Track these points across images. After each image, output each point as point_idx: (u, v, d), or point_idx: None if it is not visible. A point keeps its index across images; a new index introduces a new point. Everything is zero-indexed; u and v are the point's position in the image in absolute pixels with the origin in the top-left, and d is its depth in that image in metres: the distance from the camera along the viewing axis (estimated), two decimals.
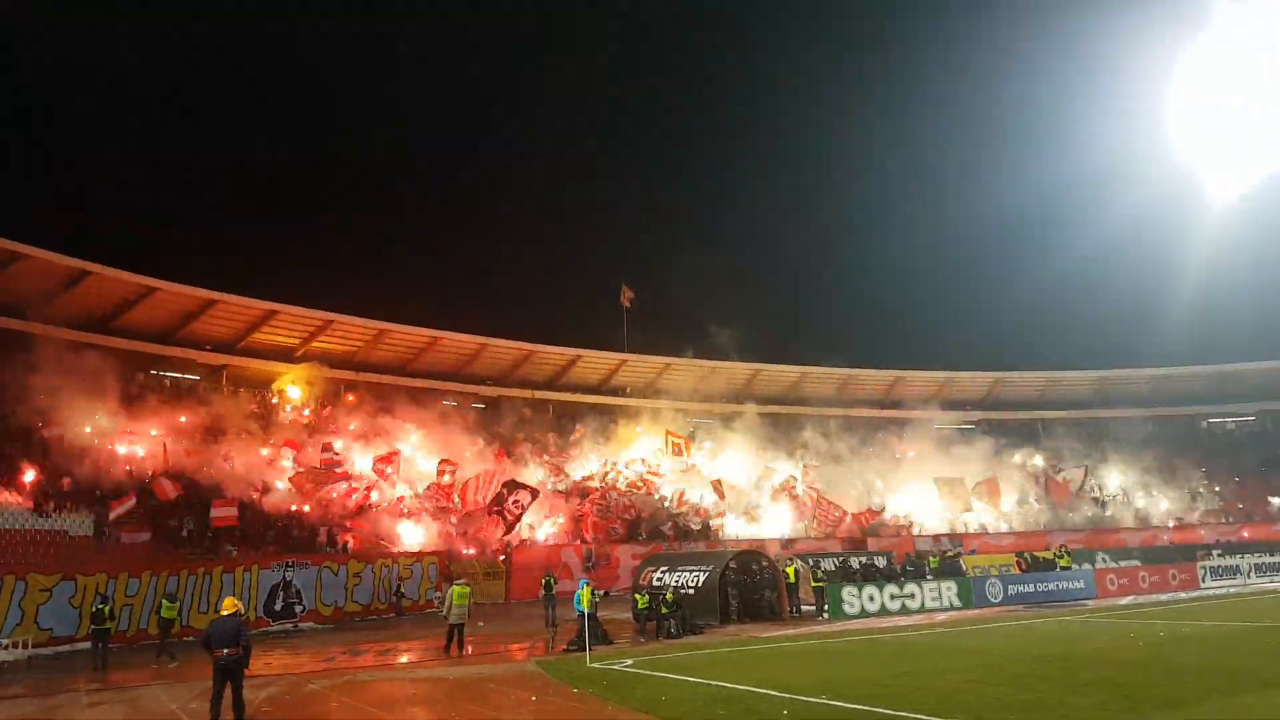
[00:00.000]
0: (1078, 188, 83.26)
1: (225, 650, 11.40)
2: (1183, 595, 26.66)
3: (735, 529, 46.49)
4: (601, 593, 22.14)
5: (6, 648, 20.22)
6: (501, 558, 36.26)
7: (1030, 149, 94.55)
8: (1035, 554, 28.13)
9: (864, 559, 26.75)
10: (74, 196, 70.43)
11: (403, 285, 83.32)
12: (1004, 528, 50.20)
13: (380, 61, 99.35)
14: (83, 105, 77.50)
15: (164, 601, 21.62)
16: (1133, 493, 55.96)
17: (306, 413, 45.92)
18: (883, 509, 48.74)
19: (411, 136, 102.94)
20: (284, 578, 27.42)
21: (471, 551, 36.62)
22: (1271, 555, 31.00)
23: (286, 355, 48.27)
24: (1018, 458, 58.92)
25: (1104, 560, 31.66)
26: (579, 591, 18.54)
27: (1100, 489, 55.74)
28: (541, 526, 41.29)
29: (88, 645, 19.91)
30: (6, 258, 37.04)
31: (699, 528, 44.90)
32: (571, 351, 56.85)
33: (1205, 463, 59.36)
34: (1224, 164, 53.69)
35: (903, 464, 55.87)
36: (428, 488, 39.78)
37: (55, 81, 75.17)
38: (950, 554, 29.91)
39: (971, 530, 49.03)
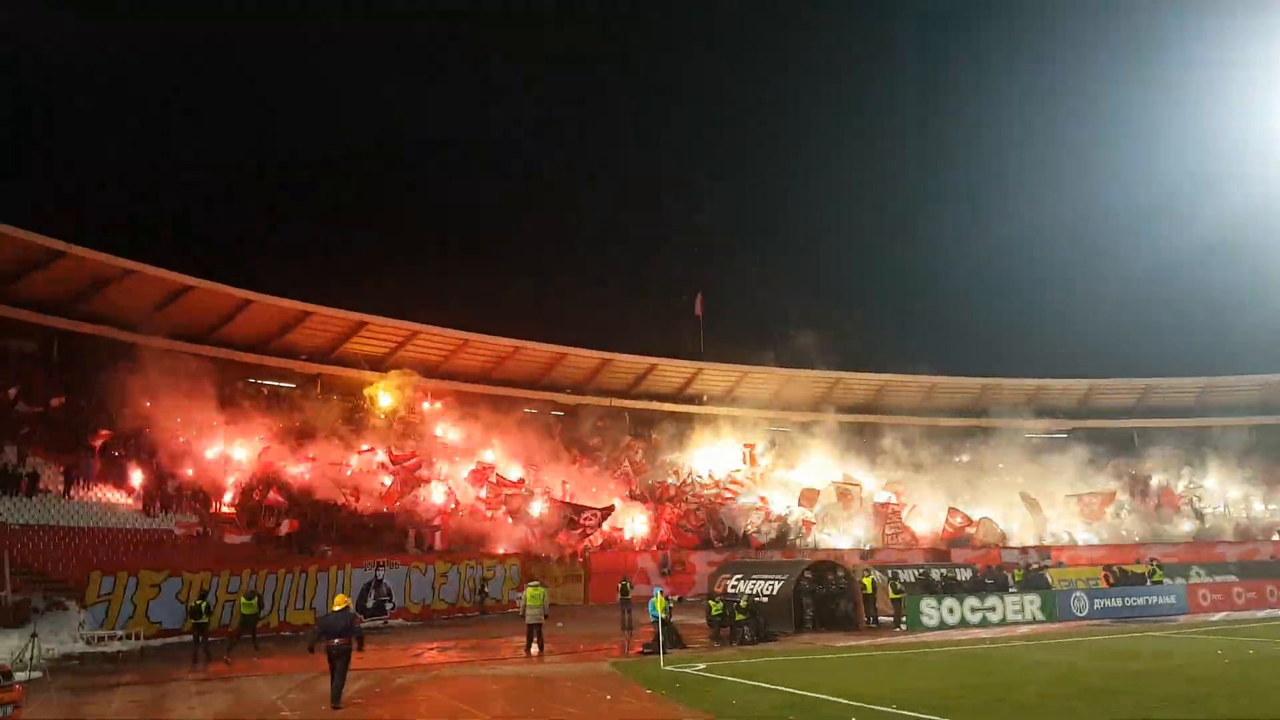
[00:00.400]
0: (1176, 188, 79.91)
1: (336, 640, 13.24)
2: (1278, 613, 25.48)
3: (814, 538, 46.22)
4: (675, 598, 22.47)
5: (122, 639, 21.65)
6: (580, 560, 36.94)
7: (1124, 150, 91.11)
8: (1124, 568, 27.28)
9: (944, 571, 26.38)
10: (176, 212, 74.31)
11: (484, 295, 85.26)
12: (1095, 540, 48.59)
13: (456, 74, 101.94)
14: (177, 129, 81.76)
15: (242, 599, 22.67)
16: (1234, 504, 53.37)
17: (391, 418, 47.46)
18: (967, 521, 47.61)
19: (486, 152, 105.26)
20: (376, 577, 28.61)
21: (551, 556, 37.39)
22: None
23: (376, 364, 50.03)
24: (1111, 468, 56.93)
25: (1198, 575, 30.43)
26: (653, 599, 18.94)
27: (1199, 500, 53.32)
28: (627, 527, 41.92)
29: (190, 638, 21.25)
30: (119, 273, 39.46)
31: (776, 536, 44.81)
32: (647, 360, 57.35)
33: None
34: None
35: (991, 475, 54.58)
36: (508, 493, 40.73)
37: (149, 105, 79.46)
38: (1035, 567, 29.18)
39: (1062, 543, 47.58)
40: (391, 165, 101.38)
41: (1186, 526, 50.45)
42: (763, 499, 48.87)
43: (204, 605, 20.58)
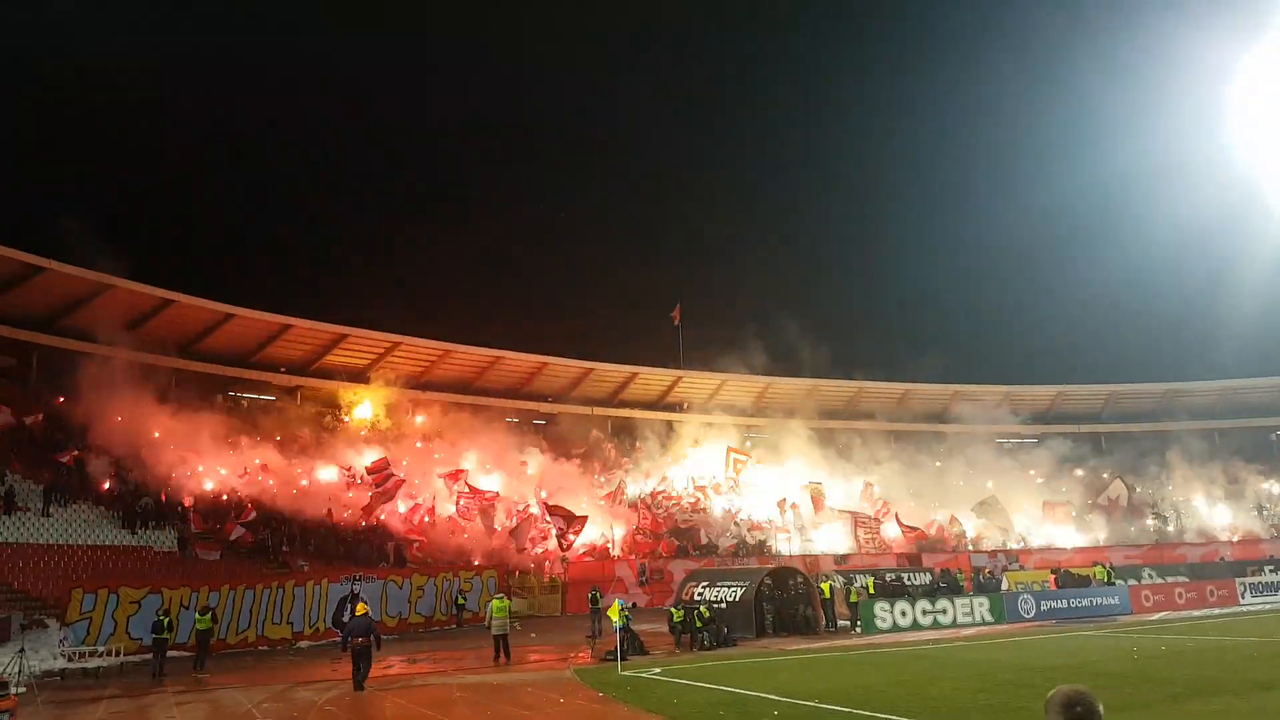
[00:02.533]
0: (1137, 196, 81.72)
1: (359, 640, 16.40)
2: (1216, 612, 26.64)
3: (791, 545, 47.08)
4: (632, 604, 23.29)
5: (103, 655, 22.29)
6: (558, 572, 37.70)
7: (1086, 157, 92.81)
8: (1070, 570, 28.39)
9: (893, 576, 27.41)
10: (154, 227, 74.60)
11: (467, 307, 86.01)
12: (1063, 543, 49.76)
13: (432, 84, 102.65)
14: (154, 145, 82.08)
15: (197, 615, 22.57)
16: (1196, 507, 54.81)
17: (371, 430, 48.14)
18: (936, 525, 48.76)
19: (465, 166, 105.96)
20: (352, 590, 29.24)
21: (529, 568, 38.14)
22: None
23: (357, 376, 50.71)
24: (1080, 472, 58.35)
25: (1149, 576, 31.60)
26: (609, 608, 19.87)
27: (1161, 503, 54.72)
28: (605, 537, 42.70)
29: (177, 655, 21.90)
30: (98, 288, 40.03)
31: (753, 544, 45.66)
32: (628, 369, 58.32)
33: (1273, 475, 57.75)
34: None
35: (962, 479, 55.80)
36: (485, 503, 41.37)
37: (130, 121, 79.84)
38: (987, 571, 30.24)
39: (1030, 546, 48.72)
40: (373, 178, 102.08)
41: (1150, 528, 51.80)
42: (737, 510, 49.69)
43: (165, 621, 20.86)
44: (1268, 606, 27.51)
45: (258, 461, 39.73)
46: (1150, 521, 52.62)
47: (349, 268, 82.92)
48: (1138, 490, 55.74)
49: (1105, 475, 57.57)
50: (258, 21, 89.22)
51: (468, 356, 53.37)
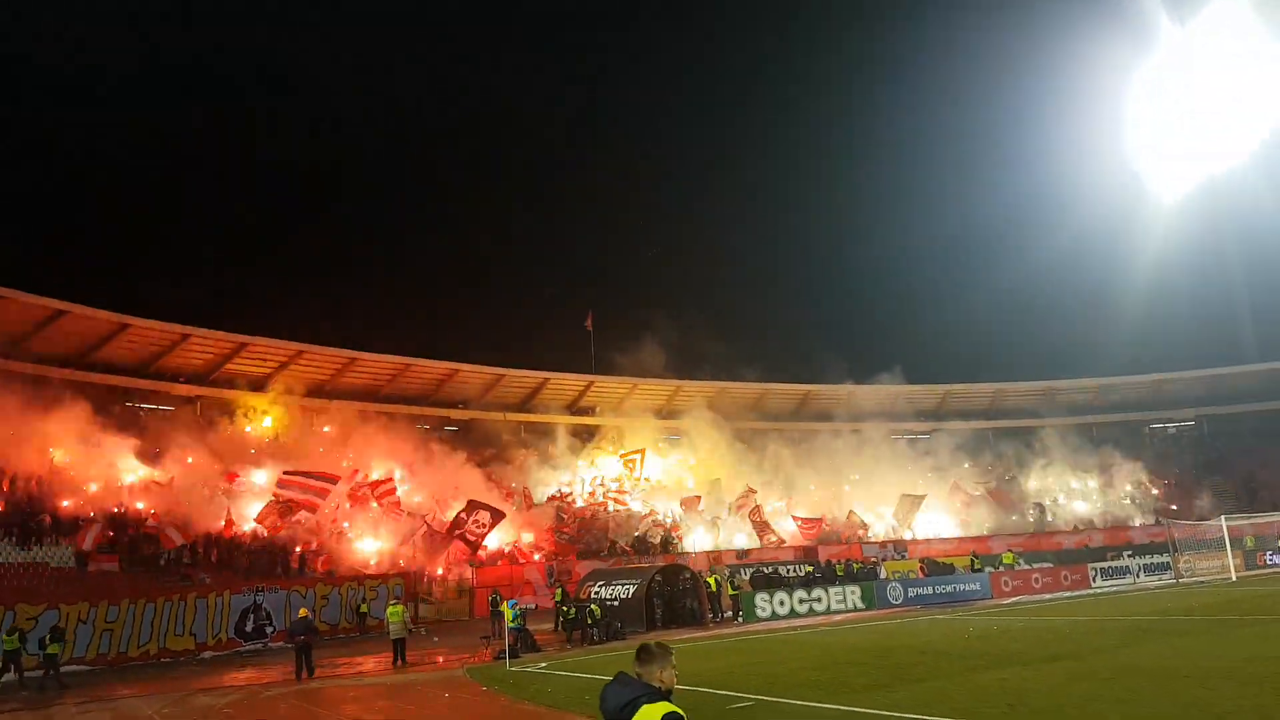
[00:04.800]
0: (1028, 207, 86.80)
1: (301, 637, 19.71)
2: (1066, 594, 29.28)
3: (695, 541, 48.72)
4: (535, 605, 24.42)
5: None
6: (465, 578, 38.44)
7: (978, 171, 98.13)
8: (936, 560, 30.74)
9: (770, 569, 29.29)
10: (46, 236, 72.19)
11: (373, 314, 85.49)
12: (952, 534, 52.79)
13: (339, 84, 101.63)
14: (52, 144, 79.32)
15: (4, 636, 21.67)
16: (1072, 498, 58.84)
17: (273, 439, 47.90)
18: (829, 519, 51.20)
19: (376, 166, 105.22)
20: (255, 601, 29.61)
21: (438, 574, 38.78)
22: (1161, 555, 33.71)
23: (259, 385, 50.30)
24: (967, 465, 61.86)
25: (1020, 563, 34.28)
26: (502, 608, 21.04)
27: (1041, 494, 58.55)
28: (514, 539, 43.53)
29: (77, 669, 22.08)
30: None
31: (658, 543, 47.14)
32: (540, 375, 59.18)
33: (1145, 467, 62.28)
34: (1167, 173, 57.57)
35: (859, 475, 58.53)
36: (391, 508, 41.72)
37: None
38: (862, 564, 32.38)
39: (920, 537, 51.55)
40: (278, 184, 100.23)
41: (1030, 518, 55.45)
42: (652, 510, 51.15)
43: (46, 638, 21.56)
44: (1113, 589, 30.31)
45: (156, 474, 39.32)
46: (1031, 512, 56.29)
47: (252, 276, 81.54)
48: (1019, 482, 59.42)
49: (989, 469, 61.15)
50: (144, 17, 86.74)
51: (375, 364, 53.49)
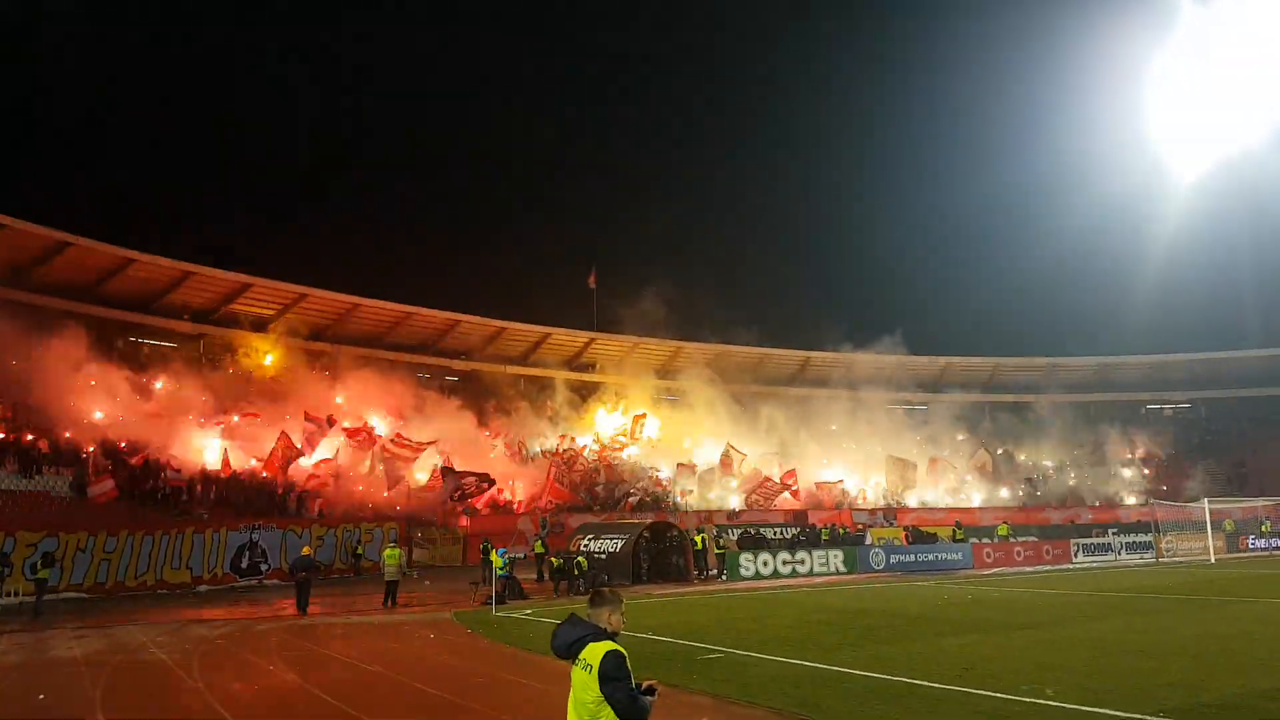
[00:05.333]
0: (1042, 186, 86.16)
1: (302, 573, 21.13)
2: (1044, 569, 29.81)
3: (687, 502, 49.39)
4: (512, 556, 24.90)
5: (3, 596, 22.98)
6: (459, 524, 39.15)
7: (995, 146, 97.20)
8: (920, 528, 31.26)
9: (755, 530, 29.85)
10: (57, 169, 72.08)
11: (380, 261, 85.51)
12: (943, 503, 53.46)
13: (350, 39, 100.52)
14: (65, 81, 78.78)
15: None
16: (1064, 472, 59.39)
17: (275, 380, 48.31)
18: (822, 484, 51.83)
19: (388, 117, 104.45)
20: (251, 539, 30.26)
21: (434, 520, 39.39)
22: (1145, 535, 34.19)
23: (262, 326, 50.62)
24: (962, 437, 62.36)
25: (1006, 536, 34.79)
26: (492, 555, 21.60)
27: (1033, 469, 59.10)
28: (510, 490, 44.14)
29: (75, 596, 22.70)
30: None
31: (652, 500, 47.77)
32: (541, 329, 59.42)
33: (1138, 448, 62.77)
34: (1184, 153, 57.38)
35: (854, 442, 59.06)
36: (393, 450, 42.20)
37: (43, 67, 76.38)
38: (847, 529, 32.83)
39: (908, 505, 52.19)
40: (287, 127, 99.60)
41: (1020, 492, 56.08)
42: (649, 469, 51.72)
43: (38, 563, 22.46)
44: (1093, 565, 30.85)
45: (156, 406, 39.83)
46: (1021, 486, 56.91)
47: (260, 218, 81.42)
48: (1012, 456, 59.89)
49: (983, 442, 61.60)
50: None
51: (379, 311, 53.73)
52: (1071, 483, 58.65)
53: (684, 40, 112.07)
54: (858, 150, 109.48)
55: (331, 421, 43.61)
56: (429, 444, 43.02)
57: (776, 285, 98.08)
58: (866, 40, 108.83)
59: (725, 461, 52.27)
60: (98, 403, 38.64)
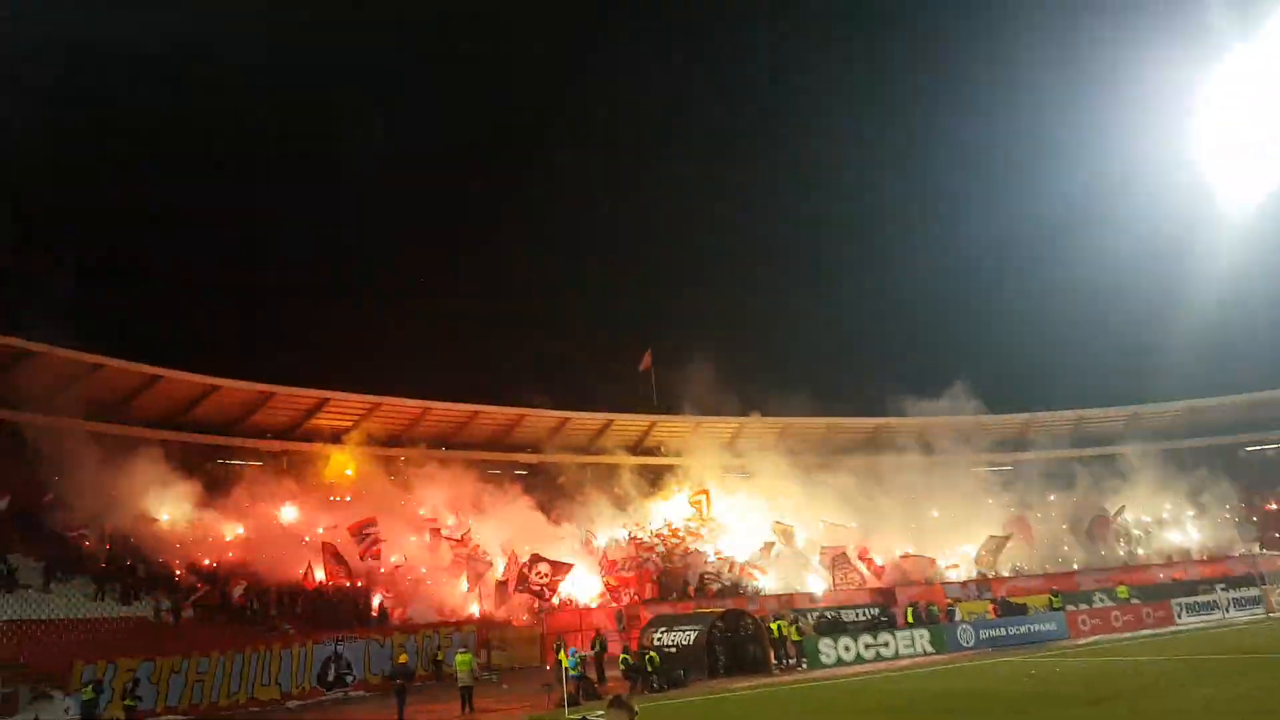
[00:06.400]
0: (1089, 220, 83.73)
1: (400, 680, 23.31)
2: (1145, 633, 28.19)
3: (767, 583, 48.25)
4: (582, 655, 24.52)
5: None
6: (535, 622, 38.87)
7: (1033, 177, 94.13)
8: (1009, 599, 29.98)
9: (832, 613, 29.00)
10: (132, 301, 75.10)
11: (445, 362, 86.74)
12: (1039, 569, 51.16)
13: (399, 137, 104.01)
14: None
15: (83, 688, 23.68)
16: (1165, 527, 56.47)
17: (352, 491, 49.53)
18: (908, 558, 50.14)
19: (436, 217, 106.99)
20: (335, 651, 30.69)
21: (512, 619, 39.29)
22: (1253, 589, 32.13)
23: (340, 437, 52.26)
24: (1052, 498, 59.97)
25: (1102, 599, 33.19)
26: (563, 656, 21.48)
27: (1130, 526, 56.35)
28: (585, 585, 43.87)
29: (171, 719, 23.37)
30: (90, 367, 41.75)
31: (729, 585, 46.83)
32: (604, 416, 59.96)
33: (1242, 492, 59.47)
34: (1237, 182, 55.70)
35: (936, 510, 57.25)
36: (463, 556, 42.53)
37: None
38: (934, 606, 31.58)
39: (1005, 574, 49.88)
40: (342, 237, 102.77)
41: (1120, 551, 53.37)
42: (719, 551, 50.98)
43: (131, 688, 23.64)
44: (1198, 625, 29.11)
45: (240, 530, 41.16)
46: (1121, 544, 54.21)
47: (329, 331, 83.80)
48: (1105, 513, 57.24)
49: (1076, 500, 59.09)
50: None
51: (447, 412, 55.08)
52: (1174, 537, 55.65)
53: (724, 105, 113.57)
54: (903, 199, 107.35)
55: (407, 525, 44.35)
56: (501, 542, 43.32)
57: (839, 350, 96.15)
58: (907, 77, 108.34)
59: (793, 539, 51.20)
60: (186, 525, 40.11)
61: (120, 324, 64.30)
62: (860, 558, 48.93)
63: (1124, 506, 56.36)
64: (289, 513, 44.42)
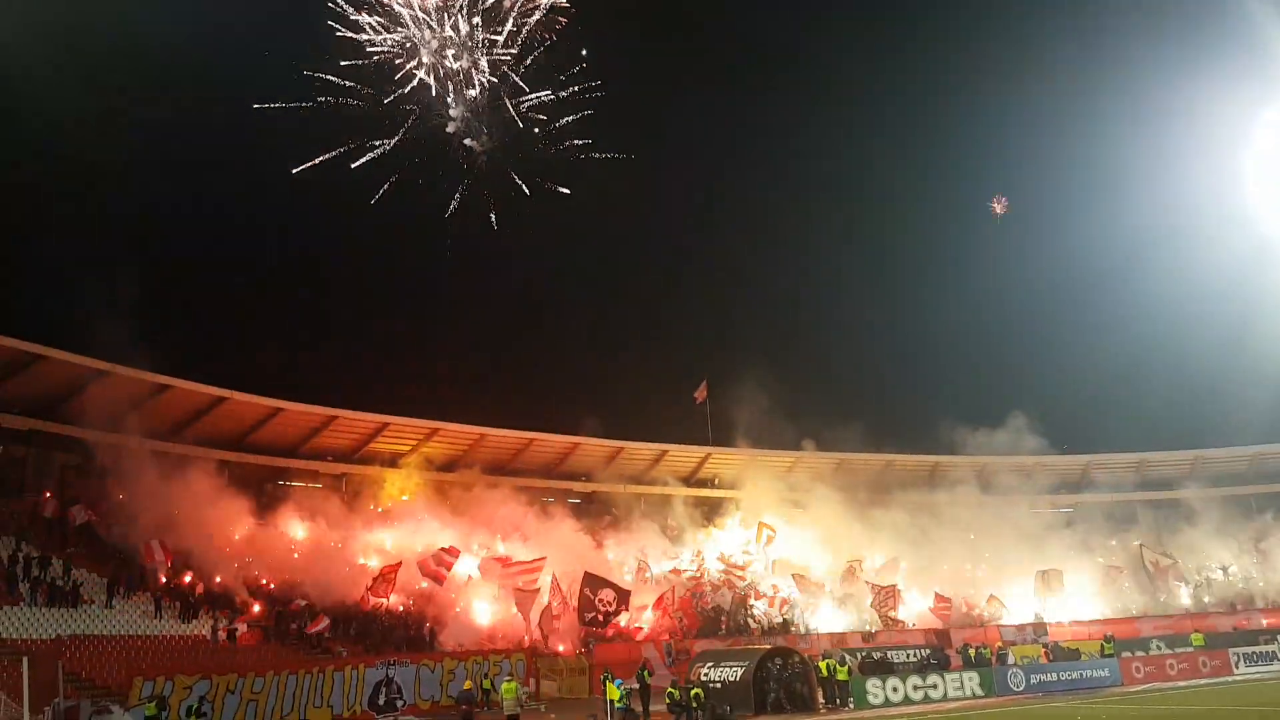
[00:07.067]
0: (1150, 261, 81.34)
1: (465, 706, 24.53)
2: (1201, 682, 27.36)
3: (818, 621, 47.72)
4: (628, 688, 24.61)
5: None
6: (583, 653, 38.99)
7: (1099, 210, 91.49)
8: (1060, 644, 29.38)
9: (880, 653, 28.70)
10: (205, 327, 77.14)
11: (501, 390, 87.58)
12: (1098, 614, 49.79)
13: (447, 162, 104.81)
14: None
15: (146, 704, 24.39)
16: (1230, 574, 54.57)
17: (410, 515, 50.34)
18: (956, 600, 49.22)
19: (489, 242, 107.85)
20: (387, 675, 31.14)
21: (561, 648, 39.49)
22: None
23: (398, 461, 53.30)
24: (1113, 542, 58.34)
25: (1159, 647, 32.27)
26: (608, 688, 21.71)
27: (1193, 571, 54.57)
28: (636, 617, 43.87)
29: None
30: (157, 389, 43.18)
31: (780, 621, 46.45)
32: (658, 447, 60.04)
33: None
34: None
35: (994, 551, 56.05)
36: (523, 580, 42.82)
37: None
38: (979, 648, 31.01)
39: (1058, 620, 48.50)
40: (396, 263, 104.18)
41: (1184, 597, 51.69)
42: (775, 587, 50.59)
43: (195, 706, 24.00)
44: (1256, 676, 28.17)
45: (296, 553, 42.18)
46: (1185, 591, 52.50)
47: (389, 357, 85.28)
48: (1170, 560, 55.46)
49: (1136, 545, 57.40)
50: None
51: (503, 439, 55.70)
52: (1239, 585, 53.71)
53: (776, 142, 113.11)
54: (960, 236, 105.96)
55: (459, 551, 44.94)
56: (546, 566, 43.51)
57: (896, 387, 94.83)
58: (953, 114, 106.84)
59: (853, 577, 50.61)
60: (246, 545, 41.25)
61: (185, 345, 66.40)
62: (916, 596, 48.14)
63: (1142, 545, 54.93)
64: (345, 534, 45.36)
